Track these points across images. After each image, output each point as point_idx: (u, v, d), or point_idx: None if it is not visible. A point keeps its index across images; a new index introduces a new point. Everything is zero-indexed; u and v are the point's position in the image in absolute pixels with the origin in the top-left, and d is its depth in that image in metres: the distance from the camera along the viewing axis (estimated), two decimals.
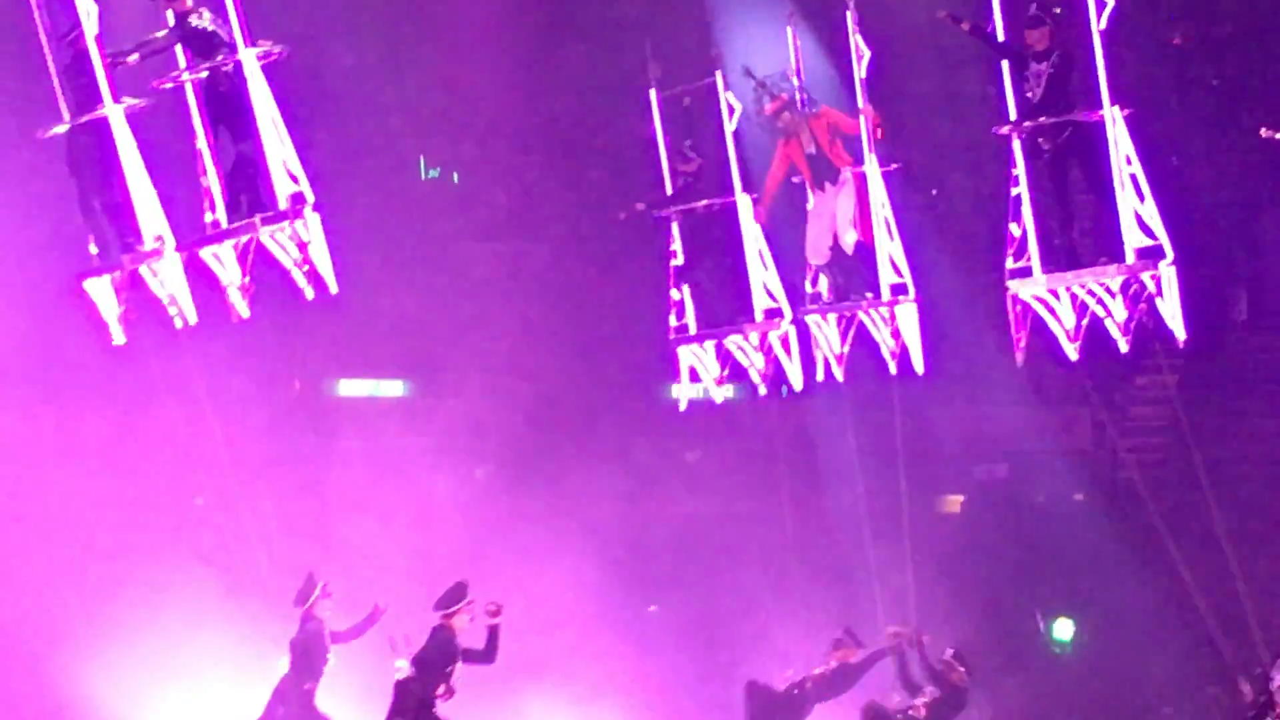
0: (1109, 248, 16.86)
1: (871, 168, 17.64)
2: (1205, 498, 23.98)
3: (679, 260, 19.32)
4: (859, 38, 17.69)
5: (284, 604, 18.82)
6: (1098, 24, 16.36)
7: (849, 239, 17.73)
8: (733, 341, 18.96)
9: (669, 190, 19.31)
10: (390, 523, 21.46)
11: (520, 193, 24.13)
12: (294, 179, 15.95)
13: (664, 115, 19.25)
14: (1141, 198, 16.61)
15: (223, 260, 16.33)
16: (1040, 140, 17.02)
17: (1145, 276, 16.64)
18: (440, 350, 23.89)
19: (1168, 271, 16.62)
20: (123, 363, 20.30)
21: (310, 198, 15.92)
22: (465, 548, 21.81)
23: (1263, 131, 18.79)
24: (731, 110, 18.84)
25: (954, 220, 25.83)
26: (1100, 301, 16.78)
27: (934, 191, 25.66)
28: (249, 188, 16.31)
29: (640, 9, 23.23)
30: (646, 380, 25.07)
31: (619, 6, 23.07)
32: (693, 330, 19.34)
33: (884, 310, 17.88)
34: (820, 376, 19.22)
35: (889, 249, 17.71)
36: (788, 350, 18.86)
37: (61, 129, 16.24)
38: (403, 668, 16.62)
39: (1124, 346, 17.02)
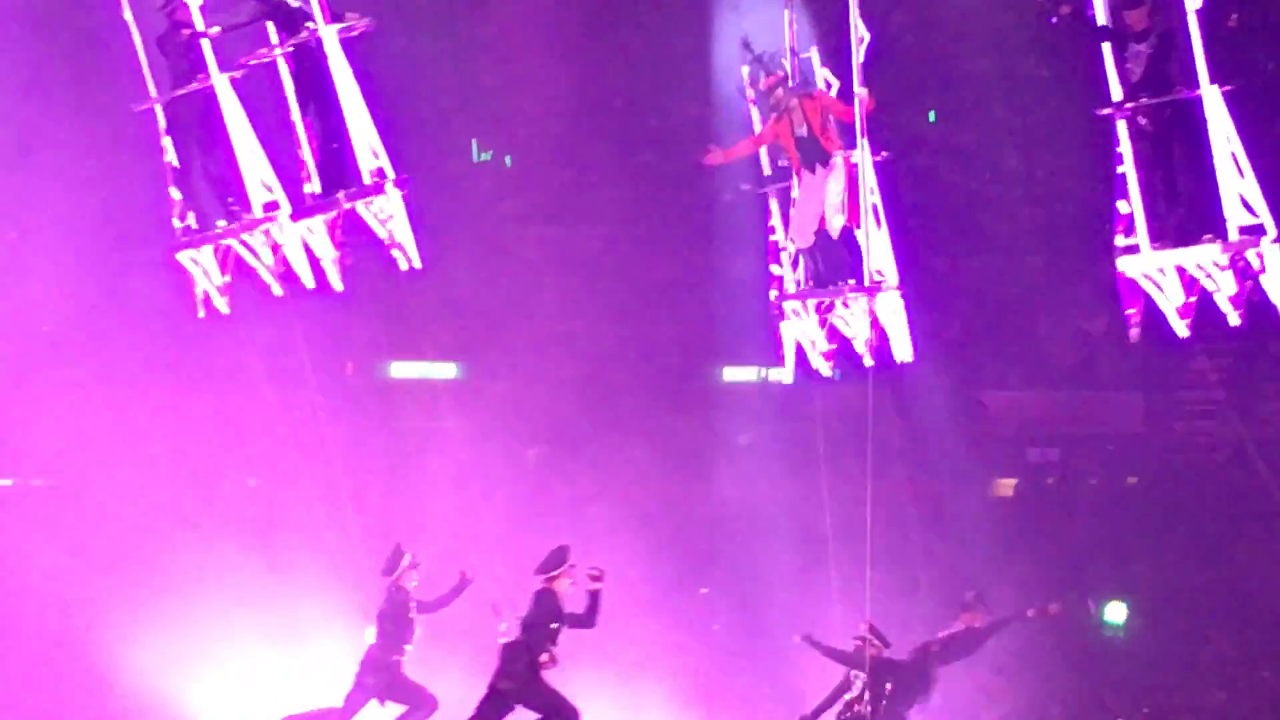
0: (1212, 225, 16.65)
1: (864, 154, 17.36)
2: (1257, 481, 24.74)
3: (778, 235, 19.15)
4: (859, 20, 17.42)
5: (356, 577, 19.15)
6: (1193, 3, 16.24)
7: (836, 224, 17.55)
8: (840, 314, 18.58)
9: (766, 170, 19.09)
10: (441, 502, 21.56)
11: (571, 177, 24.10)
12: (375, 155, 16.01)
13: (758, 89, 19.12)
14: (1242, 175, 16.41)
15: (314, 233, 16.28)
16: (1141, 120, 16.95)
17: (1250, 253, 16.41)
18: (492, 332, 23.98)
19: (1270, 249, 16.37)
20: (181, 344, 20.95)
21: (391, 174, 16.00)
22: (516, 526, 21.90)
23: None
24: (830, 84, 18.56)
25: (1007, 204, 25.68)
26: (1210, 276, 16.59)
27: (987, 175, 25.53)
28: (334, 162, 16.29)
29: None
30: (696, 362, 25.25)
31: None
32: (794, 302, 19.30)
33: (863, 298, 17.73)
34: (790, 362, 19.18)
35: (875, 236, 17.59)
36: (891, 323, 18.50)
37: (159, 100, 16.29)
38: (507, 630, 16.71)
39: (1235, 320, 16.75)
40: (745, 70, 18.38)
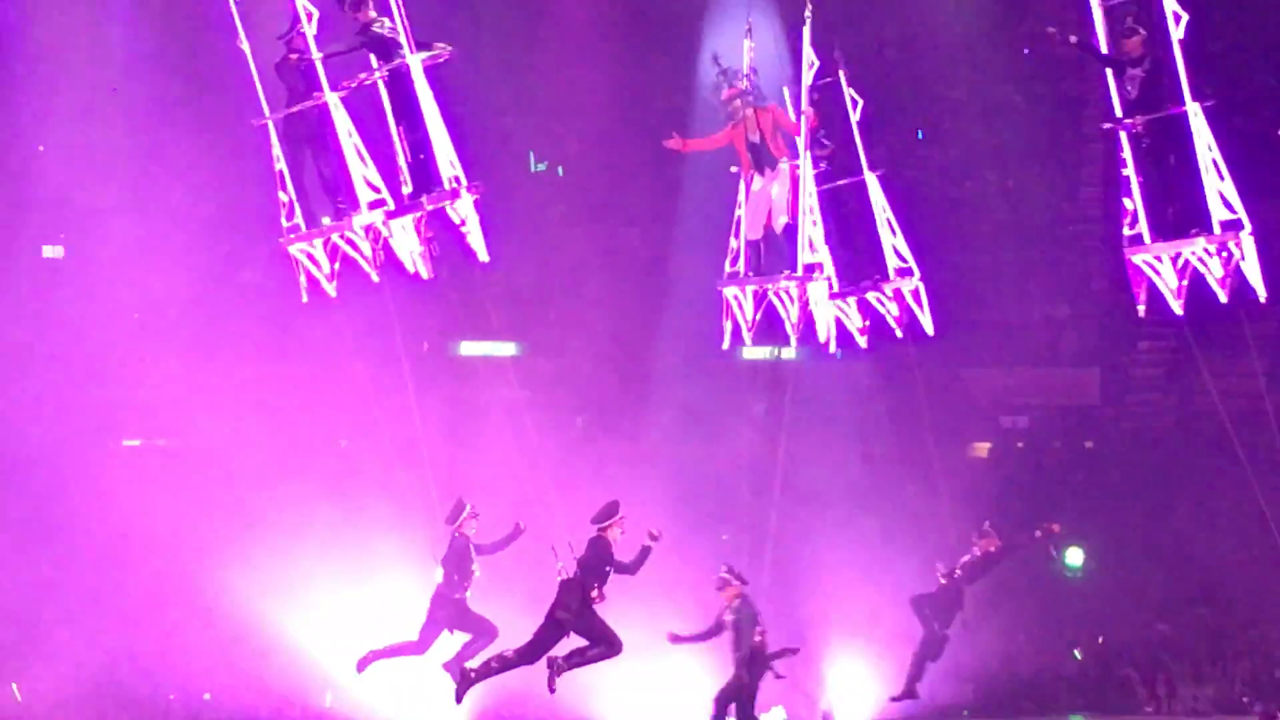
0: (1199, 220, 16.80)
1: (805, 164, 17.22)
2: (1196, 446, 24.75)
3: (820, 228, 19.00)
4: (811, 50, 17.40)
5: (428, 528, 18.84)
6: (1177, 33, 16.43)
7: (780, 222, 17.39)
8: (874, 295, 18.76)
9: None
10: (500, 460, 21.23)
11: (613, 184, 24.09)
12: (452, 165, 15.79)
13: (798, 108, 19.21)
14: (1222, 177, 16.55)
15: (404, 230, 16.05)
16: (1139, 131, 16.98)
17: (1230, 244, 16.56)
18: (545, 316, 24.01)
19: (1247, 239, 16.55)
20: (282, 326, 20.97)
21: (465, 181, 15.76)
22: (563, 482, 21.35)
23: None
24: (855, 103, 18.81)
25: (983, 209, 25.79)
26: (1202, 261, 16.69)
27: (966, 185, 25.75)
28: (420, 170, 16.10)
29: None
30: (716, 342, 25.26)
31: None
32: (835, 288, 18.87)
33: (795, 287, 17.43)
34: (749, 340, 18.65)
35: (810, 234, 17.33)
36: (919, 303, 18.73)
37: (273, 116, 16.13)
38: (564, 570, 16.62)
39: (1223, 298, 16.84)
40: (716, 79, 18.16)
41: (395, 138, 16.04)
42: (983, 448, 26.19)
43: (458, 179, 15.90)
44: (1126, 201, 17.22)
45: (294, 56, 16.07)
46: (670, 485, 23.26)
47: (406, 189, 16.11)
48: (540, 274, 23.91)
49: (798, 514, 23.66)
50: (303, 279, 16.13)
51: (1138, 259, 17.16)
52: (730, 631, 18.28)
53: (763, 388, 25.28)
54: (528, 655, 16.49)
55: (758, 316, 17.76)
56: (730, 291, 17.87)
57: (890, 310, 18.75)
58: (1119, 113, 17.08)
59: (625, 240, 23.51)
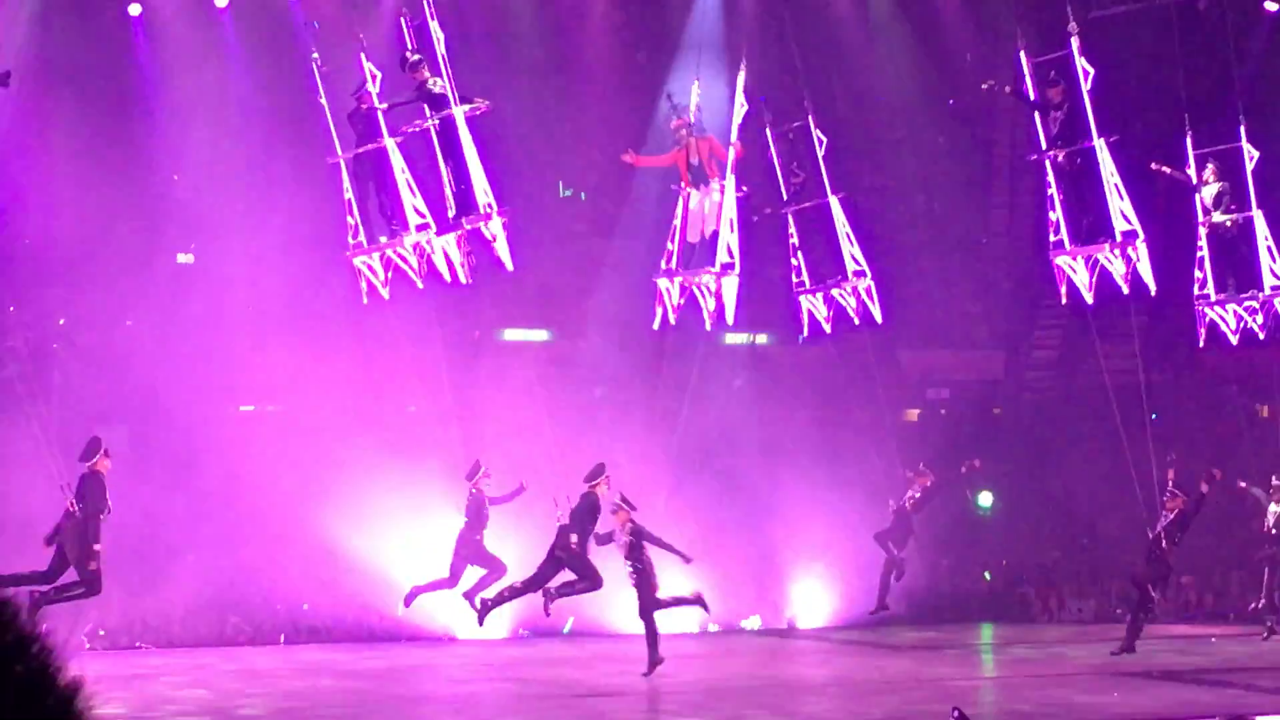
0: (1105, 230, 17.33)
1: (729, 185, 17.45)
2: (1079, 413, 25.37)
3: (795, 239, 19.43)
4: (743, 94, 17.58)
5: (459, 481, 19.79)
6: (1086, 86, 17.13)
7: (708, 230, 17.56)
8: (837, 291, 19.15)
9: (784, 195, 19.57)
10: (535, 425, 21.24)
11: (625, 205, 23.94)
12: (486, 193, 16.31)
13: (777, 146, 19.54)
14: (1121, 197, 17.13)
15: (450, 244, 16.41)
16: (1062, 160, 17.46)
17: (1129, 250, 17.14)
18: (571, 309, 24.14)
19: (1140, 246, 17.14)
20: (360, 319, 20.91)
21: (496, 206, 16.27)
22: (587, 441, 21.79)
23: (1153, 165, 18.65)
24: (821, 142, 19.09)
25: (915, 226, 26.15)
26: (1109, 261, 17.25)
27: (902, 207, 26.00)
28: (461, 197, 16.43)
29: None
30: (704, 330, 24.84)
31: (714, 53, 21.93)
32: (808, 286, 19.37)
33: (713, 281, 17.60)
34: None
35: (728, 239, 17.48)
36: (871, 298, 19.06)
37: (346, 156, 16.52)
38: (561, 517, 17.21)
39: (1125, 289, 17.39)
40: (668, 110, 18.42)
41: (443, 171, 16.39)
42: (913, 413, 26.35)
43: (490, 205, 16.30)
44: (1051, 214, 17.62)
45: (365, 106, 16.36)
46: (667, 443, 23.69)
47: (451, 212, 16.45)
48: (566, 276, 23.87)
49: (768, 465, 23.89)
50: (363, 284, 16.52)
51: (1060, 260, 17.57)
52: (623, 550, 17.35)
53: (741, 366, 25.55)
54: (531, 585, 16.87)
55: (681, 302, 17.85)
56: (662, 283, 18.00)
57: (849, 303, 19.23)
58: (1045, 145, 17.58)
59: (632, 250, 23.06)
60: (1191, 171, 18.45)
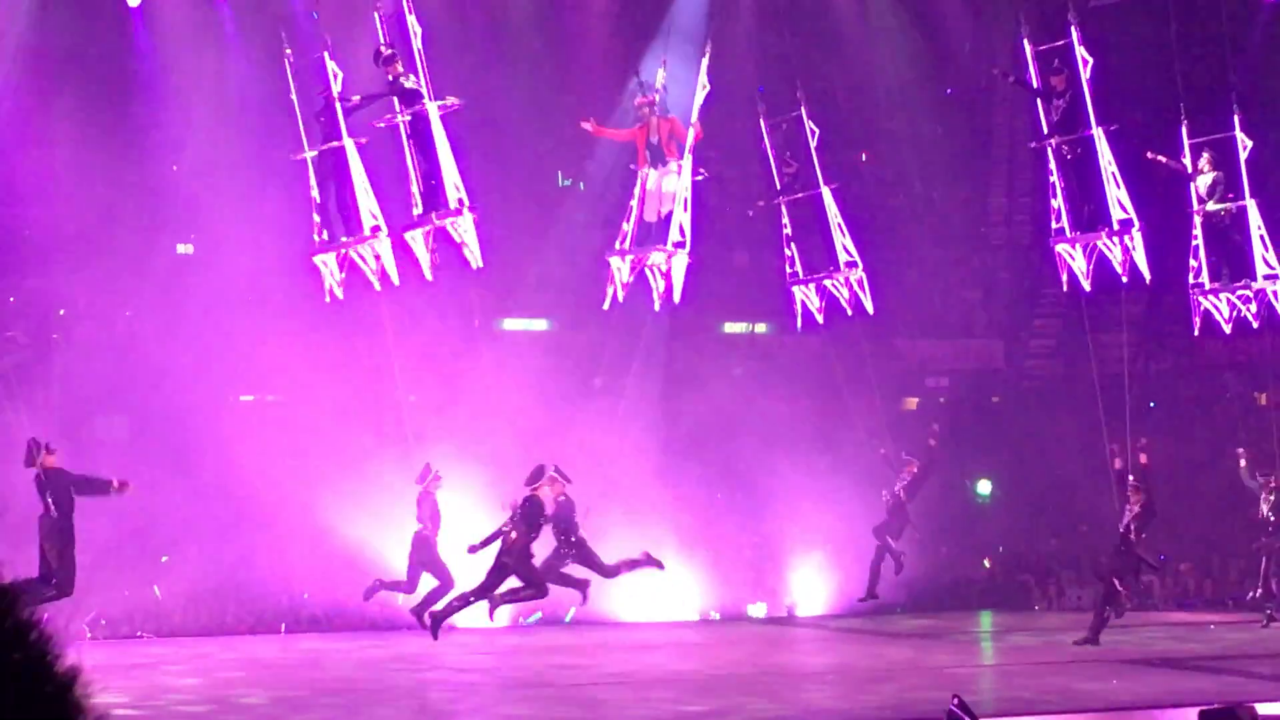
0: (1104, 219, 17.37)
1: (686, 165, 17.22)
2: (1076, 401, 24.55)
3: (788, 230, 19.48)
4: (705, 77, 17.34)
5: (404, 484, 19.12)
6: (1085, 75, 17.17)
7: (664, 209, 17.39)
8: (829, 282, 19.14)
9: (778, 186, 19.61)
10: (535, 412, 21.44)
11: (622, 195, 22.72)
12: (457, 189, 16.01)
13: (771, 138, 19.53)
14: (1119, 186, 17.15)
15: (415, 241, 16.24)
16: (1064, 149, 17.46)
17: (1125, 238, 17.18)
18: (571, 299, 23.78)
19: (1136, 235, 17.18)
20: (360, 309, 20.12)
21: (467, 202, 15.87)
22: (583, 429, 22.03)
23: (1148, 155, 18.46)
24: (814, 132, 19.00)
25: (913, 215, 26.20)
26: (1108, 248, 17.30)
27: (901, 197, 25.97)
28: (430, 193, 16.21)
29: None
30: (706, 318, 25.14)
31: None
32: (801, 276, 19.38)
33: (664, 260, 17.39)
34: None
35: (681, 218, 17.28)
36: (863, 288, 19.06)
37: (311, 154, 16.49)
38: (508, 524, 16.55)
39: (1124, 279, 17.46)
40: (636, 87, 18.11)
41: (410, 168, 16.09)
42: (912, 402, 26.35)
43: (462, 200, 15.91)
44: (1053, 202, 17.59)
45: (322, 107, 16.27)
46: (665, 431, 23.86)
47: (417, 210, 16.12)
48: (566, 264, 23.78)
49: (766, 453, 23.84)
50: (327, 284, 16.41)
51: (1060, 248, 17.61)
52: (554, 522, 17.07)
53: (740, 354, 25.66)
54: (480, 593, 16.40)
55: (631, 279, 17.60)
56: (615, 262, 17.74)
57: (842, 294, 19.23)
58: (1046, 133, 17.54)
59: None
60: (1186, 161, 18.48)
